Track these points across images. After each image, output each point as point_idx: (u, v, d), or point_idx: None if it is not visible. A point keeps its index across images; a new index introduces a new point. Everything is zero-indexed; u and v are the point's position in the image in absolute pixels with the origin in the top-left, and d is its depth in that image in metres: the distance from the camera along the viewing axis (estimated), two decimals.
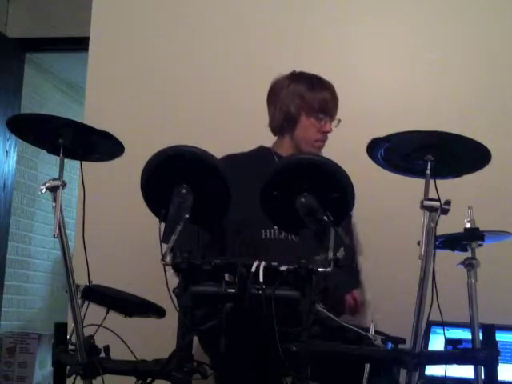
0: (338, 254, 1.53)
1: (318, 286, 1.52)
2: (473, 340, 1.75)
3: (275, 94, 2.27)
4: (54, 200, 1.59)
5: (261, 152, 2.32)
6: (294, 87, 2.22)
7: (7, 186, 4.46)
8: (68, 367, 1.67)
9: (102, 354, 1.66)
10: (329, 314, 1.72)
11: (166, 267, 1.54)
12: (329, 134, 2.28)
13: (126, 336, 1.83)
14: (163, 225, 1.57)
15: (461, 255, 1.85)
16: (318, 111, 2.21)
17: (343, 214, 1.65)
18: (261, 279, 1.49)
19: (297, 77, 2.26)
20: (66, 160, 1.64)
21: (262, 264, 1.50)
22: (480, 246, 1.83)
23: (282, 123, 2.25)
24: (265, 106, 2.33)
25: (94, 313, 1.85)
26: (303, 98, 2.20)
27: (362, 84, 2.79)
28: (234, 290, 1.52)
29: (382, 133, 1.57)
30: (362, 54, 2.84)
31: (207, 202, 1.62)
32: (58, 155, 1.62)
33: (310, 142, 2.24)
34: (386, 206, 2.66)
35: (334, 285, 2.04)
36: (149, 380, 1.60)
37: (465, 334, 1.93)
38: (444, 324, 1.70)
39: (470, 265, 1.80)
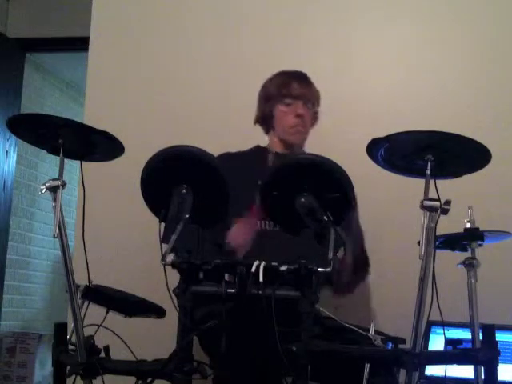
0: (338, 254, 1.53)
1: (318, 285, 1.52)
2: (473, 340, 1.75)
3: (259, 94, 2.33)
4: (54, 200, 1.59)
5: (256, 151, 2.33)
6: (269, 83, 2.29)
7: (7, 186, 4.46)
8: (68, 367, 1.67)
9: (102, 354, 1.66)
10: (329, 313, 1.73)
11: (166, 267, 1.54)
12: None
13: (126, 336, 1.83)
14: (163, 225, 1.57)
15: (461, 255, 1.85)
16: (282, 96, 2.24)
17: (343, 214, 1.65)
18: (261, 279, 1.49)
19: (274, 75, 2.31)
20: (66, 160, 1.64)
21: (262, 264, 1.50)
22: (480, 245, 1.83)
23: (263, 118, 2.30)
24: None
25: (93, 313, 1.85)
26: (274, 88, 2.26)
27: (362, 84, 2.79)
28: (233, 290, 1.52)
29: (382, 133, 1.57)
30: (362, 53, 2.83)
31: (207, 201, 1.62)
32: (58, 155, 1.62)
33: (287, 130, 2.27)
34: (386, 206, 2.66)
35: None
36: (149, 380, 1.60)
37: (465, 334, 1.93)
38: (444, 324, 1.70)
39: (470, 265, 1.80)
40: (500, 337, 1.71)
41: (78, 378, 1.64)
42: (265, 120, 2.30)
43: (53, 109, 5.10)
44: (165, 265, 1.53)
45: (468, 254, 1.83)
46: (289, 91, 2.25)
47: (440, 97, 2.74)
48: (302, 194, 1.58)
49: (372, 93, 2.78)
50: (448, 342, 1.64)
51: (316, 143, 2.28)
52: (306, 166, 1.64)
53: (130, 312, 1.95)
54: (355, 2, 2.88)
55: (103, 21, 3.05)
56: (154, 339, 2.33)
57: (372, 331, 1.75)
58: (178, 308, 1.54)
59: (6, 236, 4.46)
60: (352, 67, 2.81)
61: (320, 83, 2.31)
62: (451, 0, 2.83)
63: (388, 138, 1.57)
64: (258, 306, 1.49)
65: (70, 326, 1.70)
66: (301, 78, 2.28)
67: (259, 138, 2.35)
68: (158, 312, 1.97)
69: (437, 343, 2.23)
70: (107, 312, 1.90)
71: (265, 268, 1.50)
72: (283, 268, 1.51)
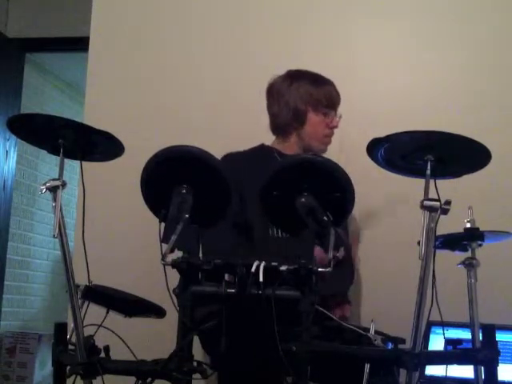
0: (338, 254, 1.53)
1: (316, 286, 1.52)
2: (473, 340, 1.74)
3: (278, 92, 2.27)
4: (54, 200, 1.59)
5: (262, 151, 2.31)
6: (298, 85, 2.24)
7: (7, 186, 4.46)
8: (68, 367, 1.66)
9: (102, 354, 1.66)
10: (329, 313, 1.73)
11: (166, 267, 1.54)
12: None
13: (126, 336, 1.83)
14: (163, 225, 1.57)
15: (461, 255, 1.85)
16: (326, 106, 2.25)
17: (343, 214, 1.65)
18: (261, 279, 1.49)
19: (297, 75, 2.27)
20: (66, 160, 1.64)
21: (262, 264, 1.50)
22: (480, 245, 1.83)
23: (289, 121, 2.26)
24: (265, 105, 2.34)
25: (93, 313, 1.85)
26: (310, 94, 2.23)
27: (362, 84, 2.79)
28: (233, 290, 1.52)
29: (382, 133, 1.57)
30: (362, 53, 2.84)
31: (207, 201, 1.62)
32: (58, 155, 1.62)
33: (320, 138, 2.27)
34: (385, 206, 2.66)
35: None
36: (149, 380, 1.60)
37: (465, 334, 1.93)
38: (444, 324, 1.70)
39: (470, 265, 1.80)
40: (500, 337, 1.70)
41: (78, 378, 1.64)
42: (293, 120, 2.25)
43: (53, 109, 5.10)
44: (165, 265, 1.53)
45: (468, 254, 1.83)
46: (333, 102, 2.27)
47: (440, 96, 2.74)
48: (302, 194, 1.58)
49: (372, 93, 2.78)
50: (448, 341, 1.64)
51: None
52: (306, 166, 1.63)
53: (130, 312, 1.95)
54: (356, 1, 2.88)
55: (103, 21, 3.05)
56: (154, 339, 2.33)
57: (372, 331, 1.75)
58: (177, 308, 1.54)
59: (6, 236, 4.46)
60: (352, 67, 2.81)
61: None
62: (452, 0, 2.83)
63: (388, 138, 1.57)
64: (258, 305, 1.49)
65: (70, 326, 1.70)
66: (335, 86, 2.28)
67: (260, 137, 2.34)
68: (158, 312, 1.97)
69: (437, 343, 2.23)
70: (107, 312, 1.90)
71: (265, 268, 1.50)
72: (283, 268, 1.51)
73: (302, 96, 2.23)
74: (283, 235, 2.10)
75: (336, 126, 2.27)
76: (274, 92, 2.28)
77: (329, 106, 2.25)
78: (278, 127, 2.29)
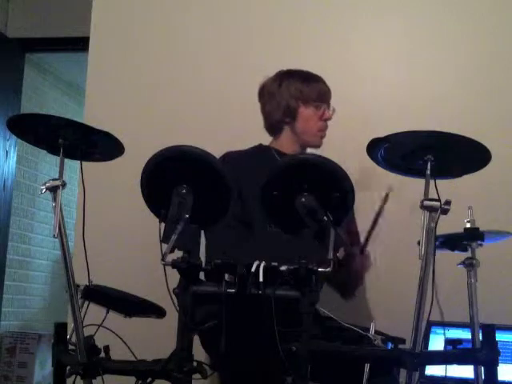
0: (338, 254, 1.53)
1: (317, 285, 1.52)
2: (473, 340, 1.74)
3: (269, 93, 2.29)
4: (54, 200, 1.59)
5: (261, 150, 2.32)
6: (288, 83, 2.25)
7: (7, 186, 4.47)
8: (68, 367, 1.67)
9: (102, 354, 1.66)
10: (329, 314, 1.72)
11: (166, 267, 1.54)
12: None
13: (126, 336, 1.83)
14: (163, 225, 1.57)
15: (461, 255, 1.85)
16: (316, 100, 2.24)
17: (343, 214, 1.65)
18: (261, 279, 1.49)
19: (287, 74, 2.29)
20: (66, 160, 1.64)
21: (262, 264, 1.50)
22: (480, 245, 1.83)
23: (281, 118, 2.26)
24: None
25: (94, 313, 1.85)
26: (300, 90, 2.24)
27: (362, 84, 2.79)
28: (233, 290, 1.52)
29: (382, 133, 1.57)
30: (362, 53, 2.84)
31: (207, 201, 1.62)
32: (58, 155, 1.62)
33: (313, 132, 2.26)
34: (385, 206, 2.65)
35: None
36: (149, 380, 1.60)
37: (465, 334, 1.93)
38: (444, 324, 1.70)
39: (470, 265, 1.80)
40: (500, 337, 1.70)
41: (78, 378, 1.64)
42: (285, 117, 2.26)
43: (53, 109, 5.10)
44: (165, 265, 1.53)
45: (468, 253, 1.83)
46: (323, 96, 2.26)
47: (440, 97, 2.74)
48: (302, 194, 1.58)
49: (372, 92, 2.78)
50: (448, 341, 1.64)
51: None
52: (307, 165, 1.63)
53: (130, 312, 1.95)
54: (356, 1, 2.88)
55: (103, 21, 3.05)
56: (154, 339, 2.32)
57: (372, 331, 1.75)
58: (177, 308, 1.54)
59: (6, 236, 4.46)
60: (352, 67, 2.81)
61: None
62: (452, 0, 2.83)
63: (388, 138, 1.57)
64: (258, 305, 1.50)
65: (70, 326, 1.70)
66: (325, 82, 2.28)
67: (259, 137, 2.34)
68: (158, 312, 1.97)
69: (437, 343, 2.23)
70: (107, 312, 1.90)
71: (265, 268, 1.50)
72: (283, 268, 1.51)
73: (292, 94, 2.23)
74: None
75: (329, 118, 2.26)
76: (266, 93, 2.30)
77: (319, 100, 2.25)
78: (272, 126, 2.30)
